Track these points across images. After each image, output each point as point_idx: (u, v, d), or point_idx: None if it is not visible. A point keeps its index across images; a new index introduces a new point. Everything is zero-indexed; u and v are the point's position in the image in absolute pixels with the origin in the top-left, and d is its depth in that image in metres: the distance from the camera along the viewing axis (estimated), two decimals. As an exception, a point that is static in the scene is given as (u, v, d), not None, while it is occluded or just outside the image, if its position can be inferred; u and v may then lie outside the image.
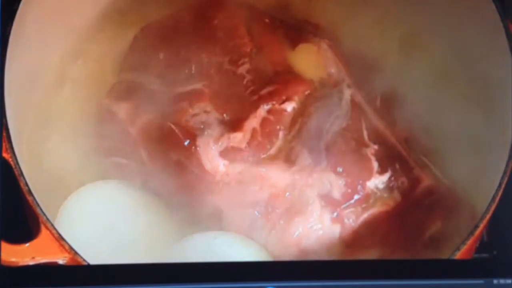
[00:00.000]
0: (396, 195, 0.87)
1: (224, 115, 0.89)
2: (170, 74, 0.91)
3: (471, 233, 0.78)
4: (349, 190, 0.86)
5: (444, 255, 0.79)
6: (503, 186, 0.79)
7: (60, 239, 0.75)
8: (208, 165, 0.87)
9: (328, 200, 0.85)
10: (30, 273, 0.73)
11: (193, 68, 0.91)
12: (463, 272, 0.74)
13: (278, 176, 0.86)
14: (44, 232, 0.76)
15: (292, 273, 0.73)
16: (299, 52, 0.95)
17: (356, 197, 0.86)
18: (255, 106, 0.89)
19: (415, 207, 0.87)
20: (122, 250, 0.84)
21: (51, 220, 0.77)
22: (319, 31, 0.97)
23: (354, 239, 0.85)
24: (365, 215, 0.85)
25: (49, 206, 0.82)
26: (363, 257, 0.84)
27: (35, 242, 0.75)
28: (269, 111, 0.89)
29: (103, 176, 0.89)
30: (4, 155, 0.77)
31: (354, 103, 0.90)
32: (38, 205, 0.76)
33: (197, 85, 0.90)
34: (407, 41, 0.97)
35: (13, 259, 0.74)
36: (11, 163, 0.77)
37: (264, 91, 0.89)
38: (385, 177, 0.87)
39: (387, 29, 0.98)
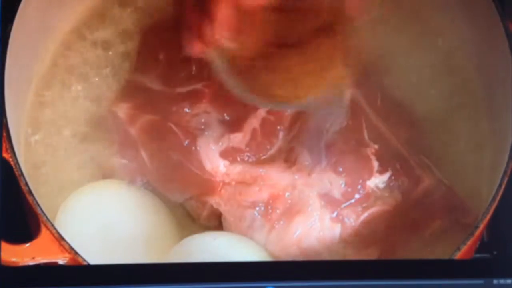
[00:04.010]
0: (397, 195, 0.87)
1: (224, 115, 0.89)
2: (170, 74, 0.91)
3: (471, 233, 0.78)
4: (349, 190, 0.86)
5: (444, 255, 0.79)
6: (503, 186, 0.78)
7: (60, 239, 0.75)
8: (208, 166, 0.87)
9: (328, 200, 0.85)
10: (30, 273, 0.73)
11: (193, 68, 0.91)
12: (463, 272, 0.74)
13: (278, 176, 0.86)
14: (44, 232, 0.76)
15: (292, 273, 0.73)
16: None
17: (356, 196, 0.86)
18: (255, 107, 0.89)
19: (415, 206, 0.87)
20: (122, 250, 0.84)
21: (51, 220, 0.77)
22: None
23: (355, 239, 0.85)
24: (365, 215, 0.85)
25: (49, 206, 0.83)
26: (363, 256, 0.84)
27: (35, 242, 0.75)
28: (269, 112, 0.89)
29: (103, 176, 0.89)
30: (4, 155, 0.77)
31: (354, 103, 0.90)
32: (38, 205, 0.76)
33: (197, 85, 0.90)
34: (407, 40, 0.97)
35: (13, 259, 0.74)
36: (11, 163, 0.77)
37: (264, 91, 0.90)
38: (386, 176, 0.87)
39: (388, 28, 0.98)
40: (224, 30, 0.72)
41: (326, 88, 0.80)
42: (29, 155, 0.90)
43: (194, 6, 0.73)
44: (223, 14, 0.71)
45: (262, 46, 0.75)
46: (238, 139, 0.88)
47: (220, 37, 0.72)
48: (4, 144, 0.77)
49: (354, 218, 0.85)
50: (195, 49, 0.74)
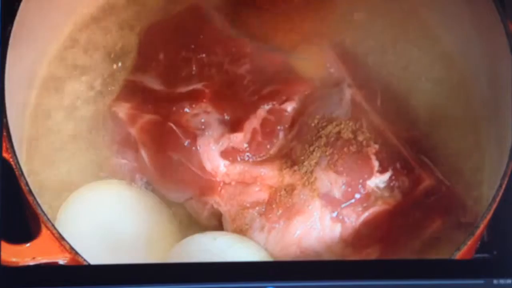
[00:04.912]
0: (397, 195, 0.86)
1: (225, 115, 0.89)
2: (170, 74, 0.91)
3: (471, 233, 0.78)
4: (350, 190, 0.86)
5: (444, 255, 0.79)
6: (503, 186, 0.78)
7: (60, 239, 0.75)
8: (208, 166, 0.87)
9: (328, 200, 0.85)
10: (30, 273, 0.73)
11: (193, 68, 0.91)
12: (463, 272, 0.74)
13: (278, 176, 0.86)
14: (44, 232, 0.76)
15: (292, 273, 0.73)
16: (300, 52, 0.94)
17: (356, 196, 0.86)
18: (255, 107, 0.89)
19: (415, 206, 0.86)
20: (122, 250, 0.84)
21: (51, 220, 0.77)
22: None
23: (355, 239, 0.85)
24: (366, 215, 0.85)
25: (49, 206, 0.83)
26: (363, 256, 0.84)
27: (35, 242, 0.75)
28: (269, 111, 0.89)
29: (103, 176, 0.89)
30: (4, 155, 0.77)
31: (354, 103, 0.90)
32: (39, 205, 0.76)
33: (198, 85, 0.90)
34: (407, 40, 0.97)
35: (13, 259, 0.74)
36: (11, 163, 0.77)
37: (264, 91, 0.89)
38: (386, 176, 0.86)
39: (388, 28, 0.98)
40: None
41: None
42: (30, 154, 0.90)
43: None
44: None
45: None
46: (238, 139, 0.88)
47: None
48: (4, 144, 0.77)
49: (354, 218, 0.85)
50: None
